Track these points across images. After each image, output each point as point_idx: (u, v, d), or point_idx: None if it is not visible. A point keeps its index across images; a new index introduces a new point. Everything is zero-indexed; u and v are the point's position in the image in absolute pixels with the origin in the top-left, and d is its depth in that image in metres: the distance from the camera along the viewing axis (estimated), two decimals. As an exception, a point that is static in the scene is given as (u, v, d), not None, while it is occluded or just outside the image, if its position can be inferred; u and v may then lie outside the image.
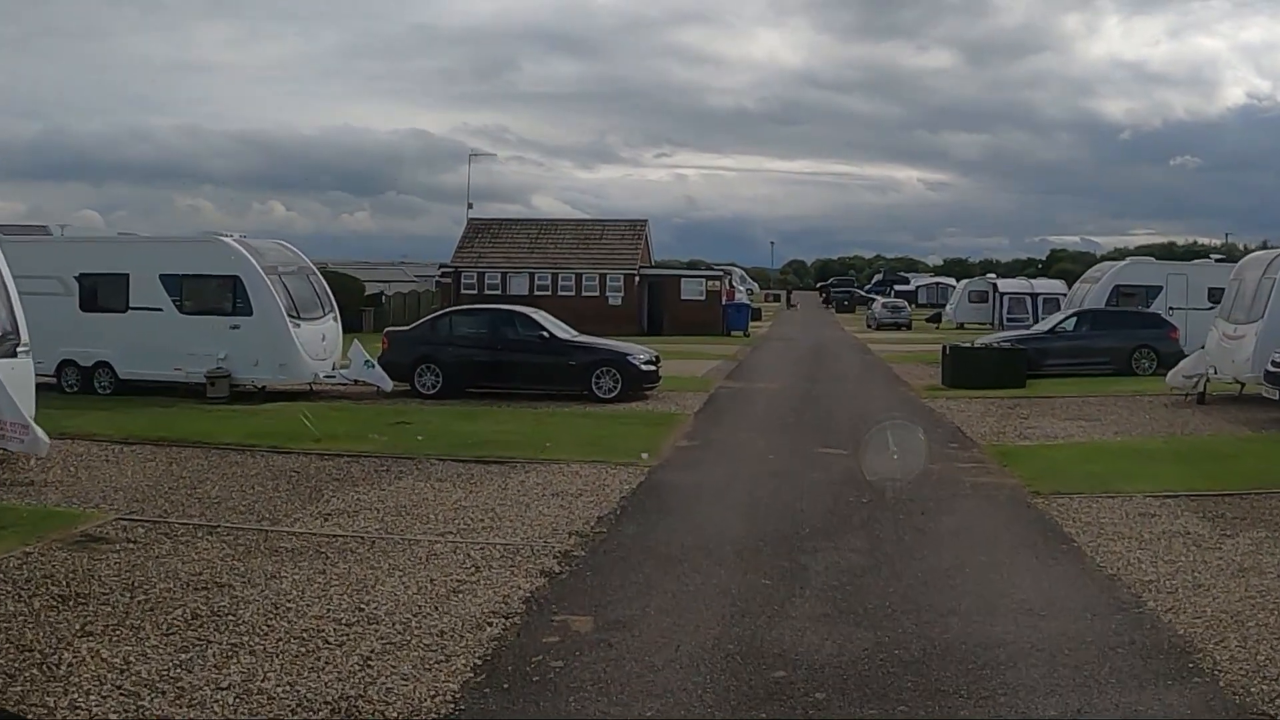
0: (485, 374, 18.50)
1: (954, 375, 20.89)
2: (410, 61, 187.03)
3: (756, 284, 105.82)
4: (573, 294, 42.97)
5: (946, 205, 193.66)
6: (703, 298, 42.34)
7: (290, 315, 18.26)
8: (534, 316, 19.01)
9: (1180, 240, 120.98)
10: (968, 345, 22.37)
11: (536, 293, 43.17)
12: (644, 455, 12.20)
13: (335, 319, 19.71)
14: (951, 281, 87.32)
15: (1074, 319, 24.56)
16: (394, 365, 18.79)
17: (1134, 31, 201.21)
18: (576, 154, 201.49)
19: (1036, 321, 51.28)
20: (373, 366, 18.31)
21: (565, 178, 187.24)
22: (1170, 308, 26.34)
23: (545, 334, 18.46)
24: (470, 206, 48.96)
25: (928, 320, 55.33)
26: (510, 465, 11.71)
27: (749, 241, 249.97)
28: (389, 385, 18.32)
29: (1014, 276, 62.78)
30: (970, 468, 11.90)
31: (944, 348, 21.97)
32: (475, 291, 43.89)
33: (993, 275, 58.52)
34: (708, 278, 43.22)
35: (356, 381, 18.51)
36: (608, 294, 42.61)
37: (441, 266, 46.48)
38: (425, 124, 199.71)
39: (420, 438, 13.53)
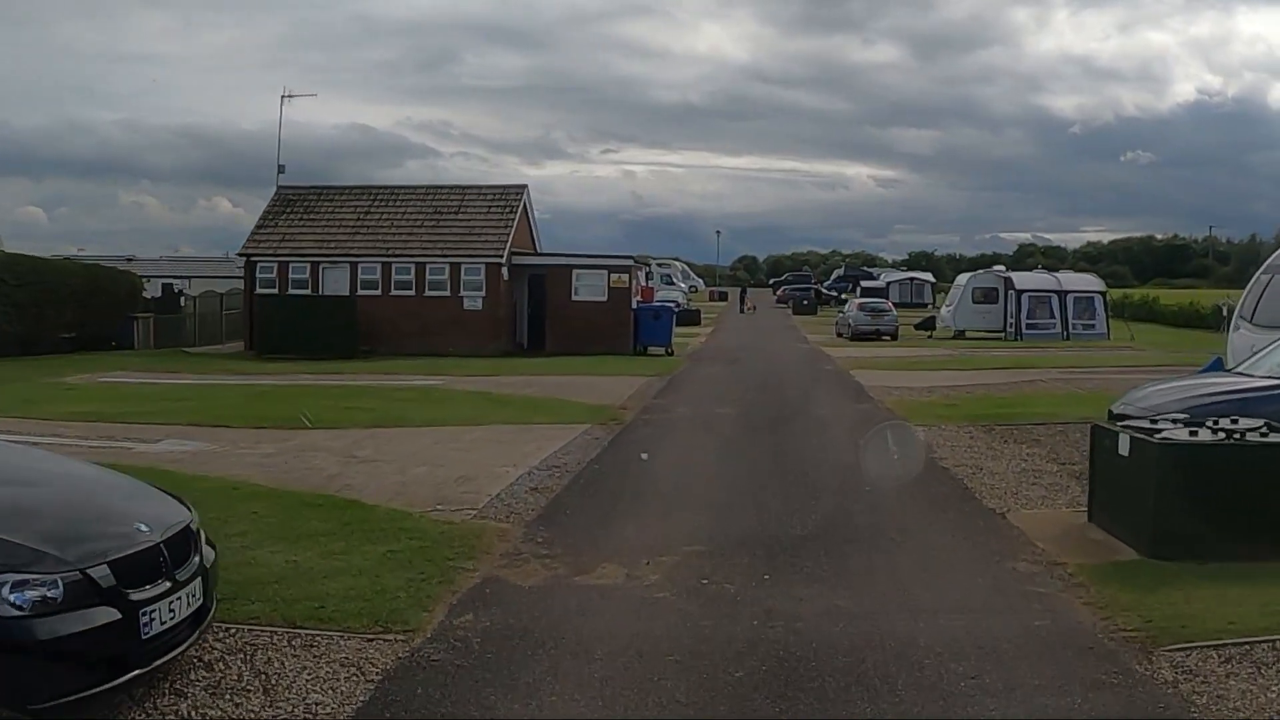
0: None
1: (1160, 519, 7.51)
2: (351, 53, 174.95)
3: (703, 280, 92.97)
4: (412, 292, 29.15)
5: (897, 201, 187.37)
6: (603, 297, 28.66)
7: None
8: None
9: (1159, 235, 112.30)
10: (1184, 438, 8.62)
11: (361, 290, 29.34)
12: None
13: None
14: (928, 277, 75.14)
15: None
16: None
17: (1084, 25, 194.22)
18: (522, 149, 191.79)
19: (1066, 329, 38.32)
20: None
21: (513, 174, 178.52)
22: None
23: None
24: (282, 169, 34.56)
25: (917, 327, 42.17)
26: None
27: (698, 238, 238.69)
28: None
29: (1002, 272, 49.72)
30: None
31: (1099, 435, 8.50)
32: (275, 288, 30.00)
33: (1000, 267, 45.58)
34: (611, 269, 29.14)
35: None
36: (463, 293, 28.78)
37: (241, 254, 32.20)
38: (368, 118, 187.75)
39: None
